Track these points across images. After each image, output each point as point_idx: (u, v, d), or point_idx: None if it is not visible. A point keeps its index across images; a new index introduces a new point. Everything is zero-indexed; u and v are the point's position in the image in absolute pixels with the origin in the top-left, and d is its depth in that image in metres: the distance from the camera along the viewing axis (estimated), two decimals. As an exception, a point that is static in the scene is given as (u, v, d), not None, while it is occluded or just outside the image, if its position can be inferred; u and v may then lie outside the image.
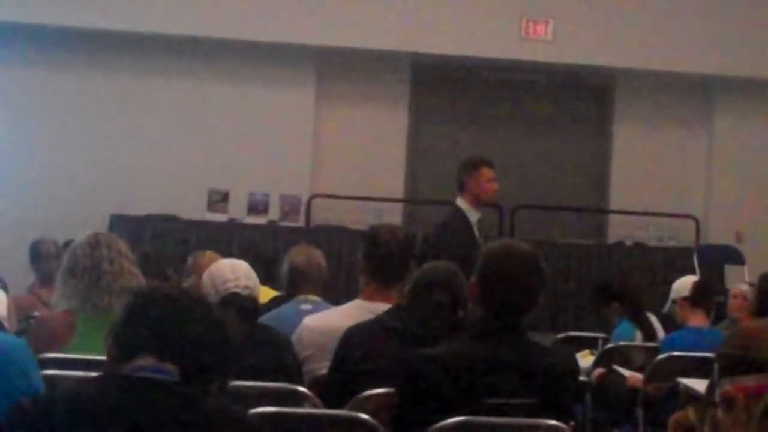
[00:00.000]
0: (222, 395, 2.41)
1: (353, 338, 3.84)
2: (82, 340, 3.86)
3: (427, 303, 3.84)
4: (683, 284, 5.79)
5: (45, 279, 5.96)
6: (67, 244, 5.73)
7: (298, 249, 5.20)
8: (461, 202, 6.41)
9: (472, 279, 3.32)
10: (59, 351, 3.81)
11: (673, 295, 5.80)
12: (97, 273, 4.01)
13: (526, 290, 3.25)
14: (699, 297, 5.68)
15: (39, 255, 6.17)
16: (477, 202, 6.39)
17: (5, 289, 4.99)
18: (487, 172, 6.40)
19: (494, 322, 3.24)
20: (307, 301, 4.82)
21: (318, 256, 5.12)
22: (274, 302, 5.17)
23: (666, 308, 5.93)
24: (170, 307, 2.39)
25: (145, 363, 2.33)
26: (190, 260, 5.97)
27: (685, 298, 5.70)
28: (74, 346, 3.85)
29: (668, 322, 6.01)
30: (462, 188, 6.44)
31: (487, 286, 3.27)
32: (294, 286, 4.99)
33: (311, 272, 5.00)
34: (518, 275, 3.24)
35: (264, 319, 4.47)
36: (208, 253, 5.80)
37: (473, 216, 6.35)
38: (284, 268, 5.10)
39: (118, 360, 2.37)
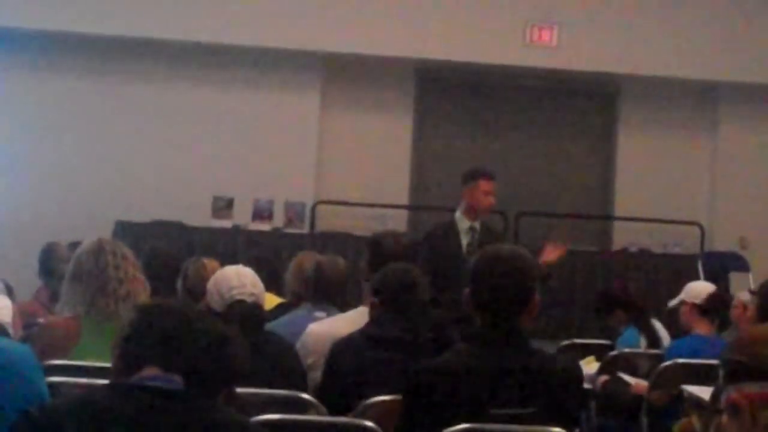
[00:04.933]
0: (229, 405, 2.42)
1: (342, 351, 3.86)
2: (88, 346, 3.86)
3: (396, 307, 3.87)
4: (698, 290, 5.71)
5: (54, 294, 5.89)
6: (72, 245, 5.71)
7: (325, 257, 5.19)
8: (458, 212, 6.47)
9: (465, 289, 3.33)
10: (63, 357, 3.81)
11: (683, 296, 5.72)
12: (103, 279, 4.01)
13: (515, 290, 3.23)
14: (710, 309, 5.63)
15: (50, 272, 6.09)
16: (472, 211, 6.41)
17: (11, 294, 4.99)
18: (484, 185, 6.42)
19: (496, 330, 3.23)
20: (324, 309, 4.81)
21: (343, 264, 5.09)
22: (279, 309, 5.17)
23: (672, 303, 5.83)
24: (175, 320, 2.40)
25: (151, 373, 2.34)
26: (188, 267, 5.79)
27: (695, 305, 5.65)
28: (80, 352, 3.86)
29: (673, 316, 5.91)
30: (461, 197, 6.51)
31: (477, 291, 3.28)
32: (319, 293, 4.94)
33: (337, 281, 4.97)
34: (505, 276, 3.23)
35: (278, 324, 4.48)
36: (207, 261, 5.65)
37: (464, 224, 6.37)
38: (311, 274, 5.05)
39: (124, 371, 2.38)
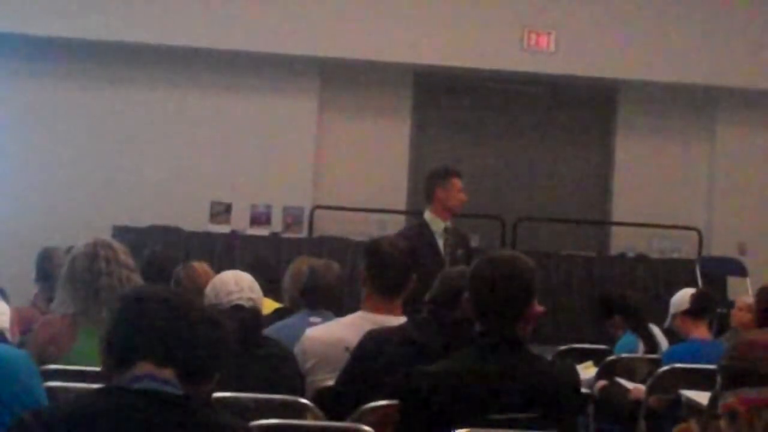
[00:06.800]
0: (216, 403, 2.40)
1: (372, 346, 3.83)
2: (82, 349, 3.85)
3: (436, 314, 3.83)
4: (682, 298, 5.77)
5: (51, 300, 5.87)
6: (70, 250, 5.68)
7: (320, 262, 5.18)
8: (427, 213, 6.37)
9: (465, 294, 3.32)
10: (61, 354, 3.81)
11: (672, 310, 5.79)
12: (95, 287, 3.98)
13: (514, 294, 3.24)
14: (698, 309, 5.67)
15: (47, 277, 6.06)
16: (446, 211, 6.33)
17: (6, 299, 4.97)
18: (457, 182, 6.37)
19: (494, 336, 3.24)
20: (319, 314, 4.79)
21: (337, 270, 5.08)
22: (277, 314, 5.17)
23: (667, 323, 5.91)
24: (163, 309, 2.36)
25: (143, 372, 2.31)
26: (179, 272, 5.59)
27: (684, 312, 5.69)
28: (74, 354, 3.84)
29: (671, 335, 6.00)
30: (430, 198, 6.40)
31: (476, 296, 3.28)
32: (313, 298, 4.92)
33: (331, 286, 4.96)
34: (504, 280, 3.24)
35: (272, 330, 4.47)
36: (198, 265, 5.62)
37: (439, 225, 6.28)
38: (305, 279, 5.03)
39: (116, 368, 2.35)
